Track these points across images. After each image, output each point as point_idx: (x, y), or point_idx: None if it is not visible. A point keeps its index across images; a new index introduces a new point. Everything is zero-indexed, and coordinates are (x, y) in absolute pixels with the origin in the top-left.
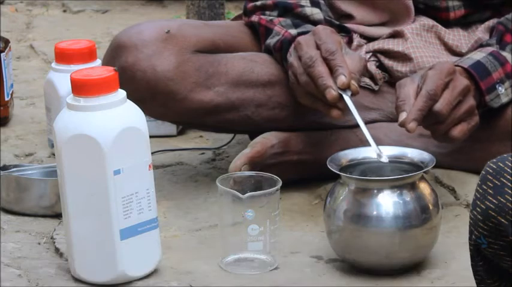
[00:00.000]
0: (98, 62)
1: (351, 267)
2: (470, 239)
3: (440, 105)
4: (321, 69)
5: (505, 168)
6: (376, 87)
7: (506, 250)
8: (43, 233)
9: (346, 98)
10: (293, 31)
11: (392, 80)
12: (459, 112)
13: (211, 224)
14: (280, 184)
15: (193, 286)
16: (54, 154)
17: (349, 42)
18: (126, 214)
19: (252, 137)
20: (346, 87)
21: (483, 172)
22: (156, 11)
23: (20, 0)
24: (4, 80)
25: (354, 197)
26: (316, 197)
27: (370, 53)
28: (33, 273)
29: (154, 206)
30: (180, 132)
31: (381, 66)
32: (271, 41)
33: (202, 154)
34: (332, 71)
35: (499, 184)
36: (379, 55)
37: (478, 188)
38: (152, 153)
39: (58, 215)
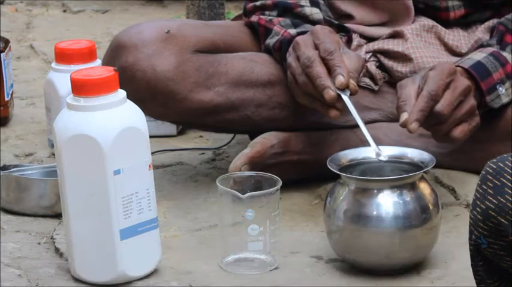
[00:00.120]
0: (98, 62)
1: (351, 267)
2: (470, 239)
3: (441, 106)
4: (319, 69)
5: (505, 168)
6: (376, 88)
7: (506, 250)
8: (43, 233)
9: (345, 98)
10: (292, 31)
11: (392, 80)
12: (460, 113)
13: (211, 224)
14: (280, 184)
15: (193, 286)
16: (54, 154)
17: (349, 41)
18: (126, 214)
19: (252, 137)
20: (344, 87)
21: (483, 172)
22: (156, 11)
23: (20, 0)
24: (4, 80)
25: (354, 197)
26: (316, 197)
27: (370, 53)
28: (33, 273)
29: (154, 206)
30: (180, 132)
31: (380, 66)
32: (270, 41)
33: (202, 154)
34: (330, 71)
35: (499, 184)
36: (379, 55)
37: (478, 188)
38: (152, 153)
39: (58, 215)
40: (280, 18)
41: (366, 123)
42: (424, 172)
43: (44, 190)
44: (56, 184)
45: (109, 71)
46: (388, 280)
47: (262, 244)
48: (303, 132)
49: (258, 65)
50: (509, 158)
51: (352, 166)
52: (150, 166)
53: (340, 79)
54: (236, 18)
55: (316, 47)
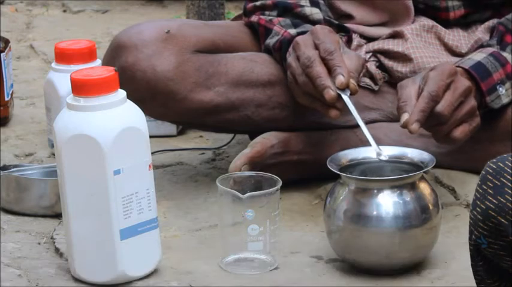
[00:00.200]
0: (98, 62)
1: (351, 267)
2: (470, 239)
3: (442, 107)
4: (319, 69)
5: (505, 168)
6: (376, 88)
7: (506, 250)
8: (43, 233)
9: (345, 97)
10: (292, 31)
11: (392, 80)
12: (461, 113)
13: (211, 224)
14: (280, 184)
15: (193, 286)
16: (54, 154)
17: (349, 41)
18: (126, 214)
19: (252, 137)
20: (344, 87)
21: (483, 172)
22: (156, 11)
23: (20, 0)
24: (4, 80)
25: (354, 197)
26: (316, 197)
27: (370, 53)
28: (33, 273)
29: (154, 206)
30: (180, 132)
31: (380, 66)
32: (270, 41)
33: (202, 154)
34: (330, 71)
35: (499, 184)
36: (379, 55)
37: (478, 188)
38: (152, 153)
39: (58, 215)
40: (280, 18)
41: (366, 123)
42: (424, 172)
43: (44, 190)
44: (56, 184)
45: (109, 71)
46: (388, 280)
47: (262, 244)
48: (303, 132)
49: (258, 65)
50: (509, 158)
51: (352, 166)
52: (150, 166)
53: (340, 79)
54: (236, 18)
55: (316, 47)
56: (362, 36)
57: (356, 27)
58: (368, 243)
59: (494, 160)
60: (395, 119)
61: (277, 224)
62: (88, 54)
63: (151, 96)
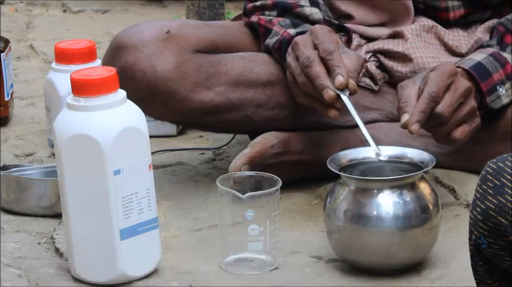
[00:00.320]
0: (98, 62)
1: (351, 267)
2: (470, 239)
3: (442, 108)
4: (318, 69)
5: (505, 168)
6: (376, 88)
7: (506, 250)
8: (43, 233)
9: (344, 97)
10: (292, 31)
11: (392, 80)
12: (461, 114)
13: (211, 224)
14: (280, 184)
15: (193, 286)
16: (54, 154)
17: (348, 41)
18: (126, 214)
19: (252, 137)
20: (344, 87)
21: (483, 172)
22: (156, 11)
23: (20, 0)
24: (4, 80)
25: (354, 197)
26: (316, 197)
27: (370, 53)
28: (33, 273)
29: (154, 206)
30: (180, 132)
31: (380, 66)
32: (270, 41)
33: (202, 154)
34: (330, 71)
35: (499, 184)
36: (379, 55)
37: (478, 188)
38: (152, 153)
39: (58, 215)
40: (280, 18)
41: (366, 123)
42: (424, 172)
43: (44, 190)
44: (56, 184)
45: (109, 71)
46: (388, 280)
47: (262, 244)
48: (303, 133)
49: (257, 65)
50: (509, 158)
51: (352, 166)
52: (150, 166)
53: (340, 79)
54: (236, 18)
55: (315, 47)
56: (362, 36)
57: (356, 27)
58: (368, 243)
59: (494, 160)
60: (395, 119)
61: (277, 224)
62: (88, 54)
63: (151, 96)
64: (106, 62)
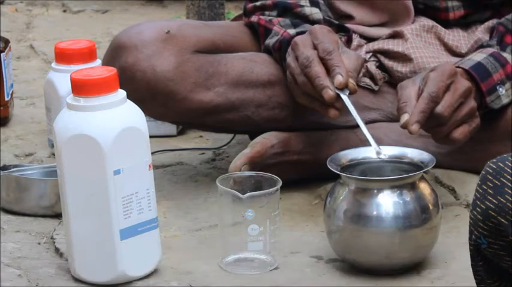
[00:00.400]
0: (98, 62)
1: (351, 267)
2: (470, 239)
3: (441, 108)
4: (317, 69)
5: (505, 168)
6: (376, 88)
7: (506, 250)
8: (43, 233)
9: (344, 97)
10: (292, 31)
11: (392, 80)
12: (460, 114)
13: (211, 224)
14: (280, 184)
15: (193, 286)
16: (54, 154)
17: (348, 41)
18: (126, 214)
19: (252, 137)
20: (343, 87)
21: (483, 172)
22: (156, 11)
23: (20, 0)
24: (4, 80)
25: (354, 197)
26: (316, 197)
27: (370, 53)
28: (33, 273)
29: (154, 206)
30: (180, 132)
31: (380, 66)
32: (270, 41)
33: (202, 154)
34: (329, 70)
35: (499, 184)
36: (379, 55)
37: (478, 188)
38: (152, 153)
39: (58, 215)
40: (280, 18)
41: (366, 123)
42: (424, 172)
43: (44, 190)
44: (56, 184)
45: (109, 71)
46: (388, 280)
47: (262, 244)
48: (302, 132)
49: (257, 65)
50: (509, 158)
51: (352, 166)
52: (150, 166)
53: (339, 79)
54: (236, 18)
55: (315, 47)
56: (362, 36)
57: (356, 28)
58: (368, 243)
59: (494, 160)
60: (395, 119)
61: (277, 224)
62: (88, 54)
63: (151, 96)
64: (106, 62)
